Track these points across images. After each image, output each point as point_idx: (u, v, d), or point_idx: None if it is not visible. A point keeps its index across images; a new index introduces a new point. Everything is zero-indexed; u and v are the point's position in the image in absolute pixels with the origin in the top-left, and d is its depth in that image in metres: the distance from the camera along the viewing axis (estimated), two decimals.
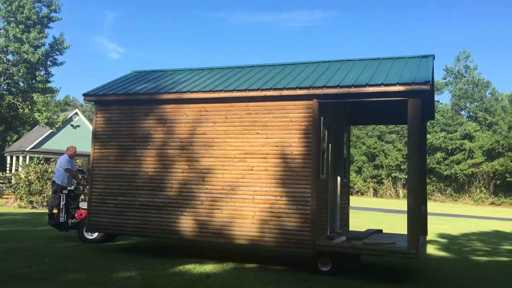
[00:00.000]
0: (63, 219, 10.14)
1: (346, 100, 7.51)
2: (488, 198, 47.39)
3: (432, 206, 24.77)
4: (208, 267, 7.61)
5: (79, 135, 35.82)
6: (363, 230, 9.83)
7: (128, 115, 8.67)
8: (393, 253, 7.04)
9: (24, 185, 18.81)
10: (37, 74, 28.98)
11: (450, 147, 49.87)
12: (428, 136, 45.90)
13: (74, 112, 41.09)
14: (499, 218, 25.62)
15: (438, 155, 50.20)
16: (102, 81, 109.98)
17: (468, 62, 56.30)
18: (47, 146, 38.38)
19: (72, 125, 34.40)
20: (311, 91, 7.31)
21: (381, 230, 9.23)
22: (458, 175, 48.72)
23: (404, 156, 49.00)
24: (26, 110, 28.70)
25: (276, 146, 7.58)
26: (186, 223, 8.05)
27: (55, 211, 10.54)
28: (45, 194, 18.34)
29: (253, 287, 6.45)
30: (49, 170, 18.88)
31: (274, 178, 7.54)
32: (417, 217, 6.82)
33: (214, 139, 7.99)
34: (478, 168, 47.79)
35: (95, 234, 9.71)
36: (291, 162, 7.46)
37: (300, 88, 7.38)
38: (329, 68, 8.44)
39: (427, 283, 7.34)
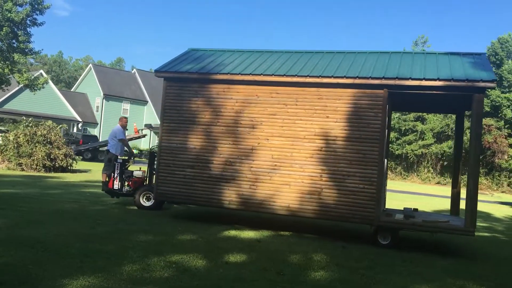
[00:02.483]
0: (117, 186, 10.38)
1: (413, 92, 8.09)
2: (434, 178, 50.55)
3: None
4: (254, 234, 8.35)
5: (42, 97, 34.59)
6: (396, 208, 10.71)
7: (199, 92, 9.05)
8: (450, 230, 7.87)
9: (12, 147, 18.29)
10: (19, 34, 27.46)
11: (403, 128, 52.32)
12: None
13: (39, 72, 39.47)
14: (445, 196, 27.73)
15: (392, 135, 52.53)
16: (49, 38, 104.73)
17: (425, 47, 58.75)
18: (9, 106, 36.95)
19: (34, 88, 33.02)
20: (384, 81, 7.91)
21: (417, 209, 10.08)
22: (409, 155, 51.39)
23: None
24: (6, 70, 27.22)
25: (345, 130, 8.19)
26: (253, 197, 8.62)
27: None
28: (35, 157, 17.96)
29: (299, 250, 7.28)
30: (38, 133, 18.51)
31: (342, 158, 8.17)
32: (474, 199, 7.61)
33: (284, 120, 8.49)
34: (428, 149, 50.59)
35: (151, 202, 10.11)
36: (359, 145, 8.10)
37: (373, 78, 7.97)
38: (391, 59, 8.99)
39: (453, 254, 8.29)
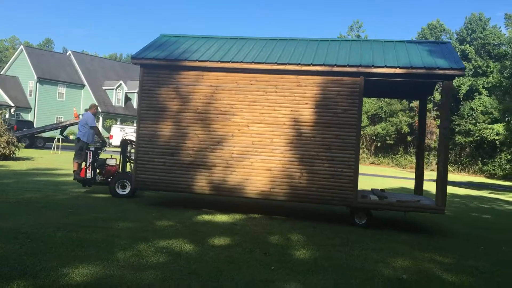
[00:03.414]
0: (90, 175, 10.18)
1: (388, 79, 8.54)
2: (369, 158, 52.90)
3: None
4: (227, 217, 8.61)
5: None
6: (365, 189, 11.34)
7: (177, 80, 9.03)
8: (423, 209, 8.48)
9: None
10: None
11: None
12: None
13: None
14: (384, 176, 29.30)
15: None
16: None
17: (360, 32, 60.71)
18: None
19: None
20: (360, 69, 8.27)
21: (384, 190, 10.69)
22: None
23: None
24: None
25: (324, 116, 8.50)
26: (235, 182, 8.78)
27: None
28: None
29: (275, 231, 7.66)
30: None
31: (322, 143, 8.50)
32: (444, 180, 8.25)
33: (264, 107, 8.68)
34: (363, 130, 52.69)
35: (127, 190, 9.97)
36: (337, 131, 8.45)
37: (350, 66, 8.31)
38: (363, 47, 9.34)
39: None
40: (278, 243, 6.94)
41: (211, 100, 8.84)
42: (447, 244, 7.91)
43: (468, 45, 53.39)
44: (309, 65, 8.42)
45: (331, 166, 8.39)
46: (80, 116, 26.75)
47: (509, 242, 8.65)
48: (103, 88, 49.29)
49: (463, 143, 49.78)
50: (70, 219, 7.45)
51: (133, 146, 10.97)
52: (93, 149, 10.53)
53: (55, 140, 27.58)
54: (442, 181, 8.19)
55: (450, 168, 51.83)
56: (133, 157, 10.97)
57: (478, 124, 48.28)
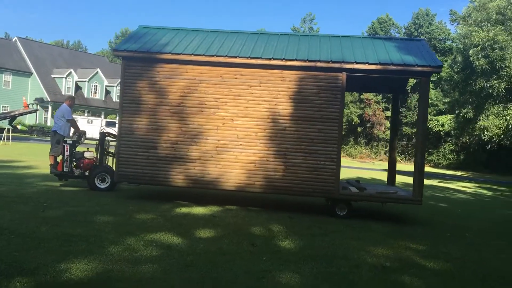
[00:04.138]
0: (67, 168, 9.93)
1: (368, 75, 8.81)
2: None
3: None
4: (204, 209, 8.69)
5: None
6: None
7: (161, 73, 8.95)
8: (401, 200, 8.89)
9: None
10: None
11: None
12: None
13: None
14: (344, 166, 30.11)
15: None
16: None
17: (312, 25, 61.64)
18: None
19: None
20: (343, 65, 8.52)
21: (359, 180, 11.06)
22: None
23: None
24: None
25: (307, 110, 8.70)
26: (219, 175, 8.85)
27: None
28: None
29: (254, 223, 7.86)
30: None
31: (305, 137, 8.70)
32: (421, 172, 8.66)
33: (248, 101, 8.77)
34: None
35: (106, 184, 9.88)
36: (320, 125, 8.68)
37: (333, 62, 8.53)
38: (343, 43, 9.56)
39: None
40: (261, 234, 7.11)
41: (195, 94, 8.85)
42: (416, 232, 8.36)
43: None
44: (293, 60, 8.59)
45: (314, 159, 8.63)
46: (31, 106, 25.78)
47: (470, 229, 9.23)
48: (52, 76, 47.53)
49: (410, 134, 51.75)
50: (48, 214, 7.30)
51: (111, 139, 10.83)
52: (70, 142, 10.28)
53: (5, 130, 26.46)
54: (419, 174, 8.62)
55: (398, 158, 53.82)
56: (111, 150, 10.87)
57: None
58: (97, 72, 49.50)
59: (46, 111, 45.92)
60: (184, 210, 8.54)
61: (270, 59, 8.62)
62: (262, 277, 5.02)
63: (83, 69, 50.31)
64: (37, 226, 6.40)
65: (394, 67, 8.50)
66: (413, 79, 25.25)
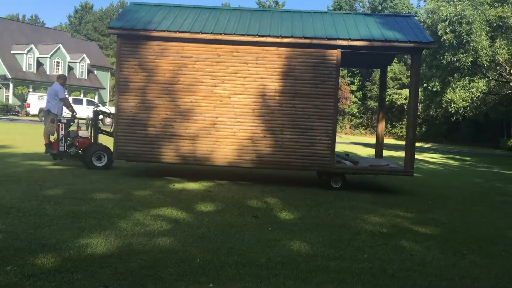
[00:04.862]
0: (63, 148, 9.86)
1: (361, 51, 9.05)
2: None
3: None
4: (197, 185, 8.88)
5: None
6: None
7: (157, 51, 8.93)
8: (393, 172, 9.30)
9: None
10: None
11: None
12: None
13: None
14: None
15: None
16: None
17: None
18: None
19: None
20: (338, 42, 8.72)
21: (348, 154, 11.42)
22: None
23: None
24: None
25: (303, 87, 8.90)
26: (218, 152, 9.01)
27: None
28: None
29: (249, 196, 8.14)
30: None
31: (302, 113, 8.92)
32: (412, 145, 9.07)
33: (246, 78, 8.89)
34: None
35: (104, 162, 9.99)
36: (316, 101, 8.90)
37: (328, 39, 8.72)
38: (335, 19, 9.72)
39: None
40: (259, 206, 7.37)
41: (192, 72, 8.89)
42: (401, 200, 8.82)
43: None
44: (289, 37, 8.72)
45: (311, 135, 8.89)
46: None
47: (449, 197, 9.78)
48: (12, 52, 45.74)
49: (375, 107, 52.86)
50: (46, 192, 7.29)
51: (104, 117, 10.83)
52: (65, 121, 10.18)
53: None
54: (410, 147, 9.04)
55: (362, 131, 55.16)
56: (104, 129, 10.89)
57: (388, 89, 51.48)
58: (59, 48, 47.95)
59: (7, 89, 44.38)
60: (178, 186, 8.68)
61: (266, 36, 8.73)
62: (274, 245, 5.28)
63: (44, 44, 48.61)
64: (41, 204, 6.43)
65: (387, 44, 8.78)
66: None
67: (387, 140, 43.36)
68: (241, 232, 5.74)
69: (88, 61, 51.52)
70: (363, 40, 8.77)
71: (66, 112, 11.05)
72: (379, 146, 11.50)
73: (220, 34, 8.71)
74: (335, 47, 8.83)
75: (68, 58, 48.93)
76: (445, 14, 23.95)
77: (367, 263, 4.86)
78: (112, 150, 9.42)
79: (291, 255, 4.97)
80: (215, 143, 8.95)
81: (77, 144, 10.12)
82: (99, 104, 11.40)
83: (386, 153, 22.51)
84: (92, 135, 10.54)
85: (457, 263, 5.10)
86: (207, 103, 8.93)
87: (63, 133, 10.06)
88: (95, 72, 54.40)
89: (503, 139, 37.83)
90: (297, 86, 8.92)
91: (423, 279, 4.50)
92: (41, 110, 30.87)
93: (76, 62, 50.05)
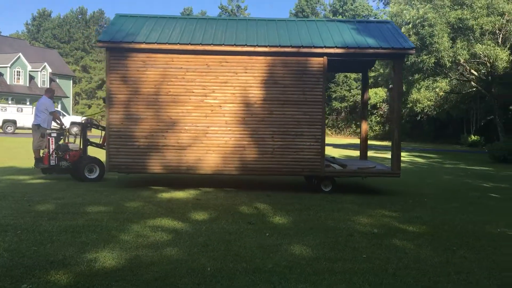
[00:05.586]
0: (54, 162, 9.71)
1: (347, 58, 9.37)
2: None
3: None
4: (184, 194, 8.98)
5: None
6: None
7: (147, 63, 9.00)
8: (381, 174, 9.66)
9: None
10: None
11: None
12: None
13: None
14: None
15: None
16: None
17: (240, 2, 61.77)
18: None
19: None
20: (325, 50, 9.01)
21: (334, 157, 11.69)
22: None
23: None
24: None
25: (292, 94, 9.15)
26: (210, 161, 9.15)
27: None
28: None
29: (238, 202, 8.29)
30: None
31: (291, 120, 9.16)
32: (398, 147, 9.41)
33: (235, 87, 9.06)
34: None
35: (96, 174, 9.96)
36: (305, 107, 9.16)
37: (315, 47, 8.99)
38: (319, 28, 9.95)
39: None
40: (251, 212, 7.53)
41: (183, 82, 9.02)
42: (384, 200, 9.14)
43: (340, 16, 57.21)
44: (277, 46, 8.96)
45: (301, 141, 9.14)
46: None
47: (426, 195, 10.19)
48: None
49: (339, 108, 53.87)
50: (37, 208, 7.23)
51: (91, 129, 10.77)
52: (55, 134, 10.04)
53: None
54: (397, 149, 9.42)
55: (327, 132, 55.97)
56: (92, 141, 10.82)
57: (352, 90, 52.60)
58: (19, 57, 46.74)
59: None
60: (166, 195, 8.73)
61: (255, 46, 8.94)
62: (276, 250, 5.45)
63: (3, 54, 47.30)
64: (36, 220, 6.38)
65: (371, 51, 9.14)
66: None
67: (353, 140, 44.37)
68: (241, 239, 5.89)
69: (49, 70, 50.40)
70: (348, 47, 9.10)
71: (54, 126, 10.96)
72: (363, 147, 11.86)
73: (209, 45, 8.87)
74: (321, 55, 9.12)
75: (29, 67, 47.75)
76: (408, 17, 24.80)
77: (368, 263, 5.09)
78: (102, 161, 9.41)
79: (295, 259, 5.16)
80: (207, 152, 9.10)
81: (67, 157, 10.02)
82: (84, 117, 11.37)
83: (353, 152, 23.19)
84: (81, 147, 10.47)
85: (450, 259, 5.40)
86: (198, 113, 9.07)
87: (53, 147, 9.95)
88: (57, 80, 53.23)
89: (463, 136, 39.25)
90: (286, 94, 9.16)
91: (422, 276, 4.77)
92: (5, 121, 30.04)
93: (37, 71, 48.88)
